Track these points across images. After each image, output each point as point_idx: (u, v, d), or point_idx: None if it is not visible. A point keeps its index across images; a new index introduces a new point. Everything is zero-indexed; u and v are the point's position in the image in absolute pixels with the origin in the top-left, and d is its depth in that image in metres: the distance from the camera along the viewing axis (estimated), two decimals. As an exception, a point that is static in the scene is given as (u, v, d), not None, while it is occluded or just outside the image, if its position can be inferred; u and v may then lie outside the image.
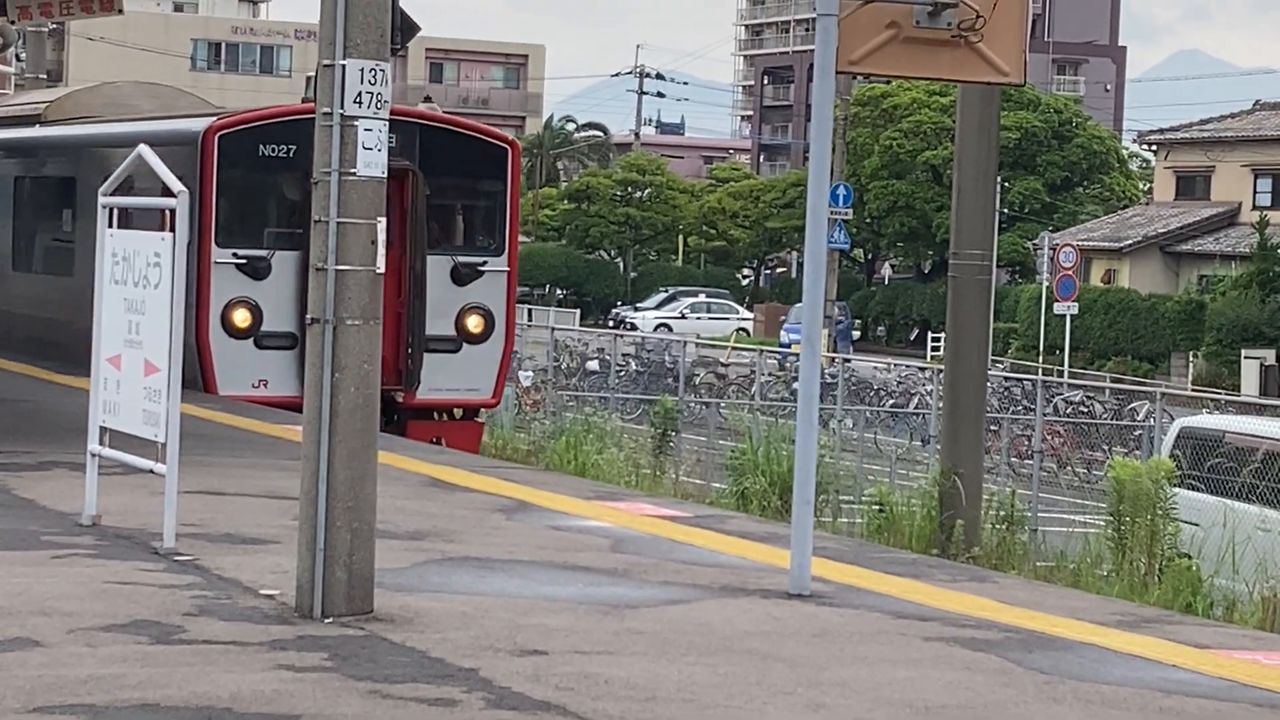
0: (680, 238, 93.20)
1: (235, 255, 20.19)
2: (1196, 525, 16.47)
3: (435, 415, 21.36)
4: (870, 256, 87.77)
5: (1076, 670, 8.67)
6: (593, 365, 41.57)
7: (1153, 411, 27.74)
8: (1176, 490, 16.21)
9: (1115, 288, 66.55)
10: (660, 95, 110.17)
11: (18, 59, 44.22)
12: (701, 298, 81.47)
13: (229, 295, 20.17)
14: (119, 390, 10.86)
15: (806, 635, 9.19)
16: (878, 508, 17.37)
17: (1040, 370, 50.34)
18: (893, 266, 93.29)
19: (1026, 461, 28.79)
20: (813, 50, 10.42)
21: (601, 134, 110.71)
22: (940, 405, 22.52)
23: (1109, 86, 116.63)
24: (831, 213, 48.95)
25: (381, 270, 9.06)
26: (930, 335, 69.47)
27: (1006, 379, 40.63)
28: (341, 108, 8.93)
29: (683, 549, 11.77)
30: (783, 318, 71.17)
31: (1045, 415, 29.99)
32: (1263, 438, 19.23)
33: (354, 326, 8.93)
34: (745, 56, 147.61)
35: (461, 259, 21.23)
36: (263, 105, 22.32)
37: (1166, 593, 14.30)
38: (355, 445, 8.92)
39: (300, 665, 8.03)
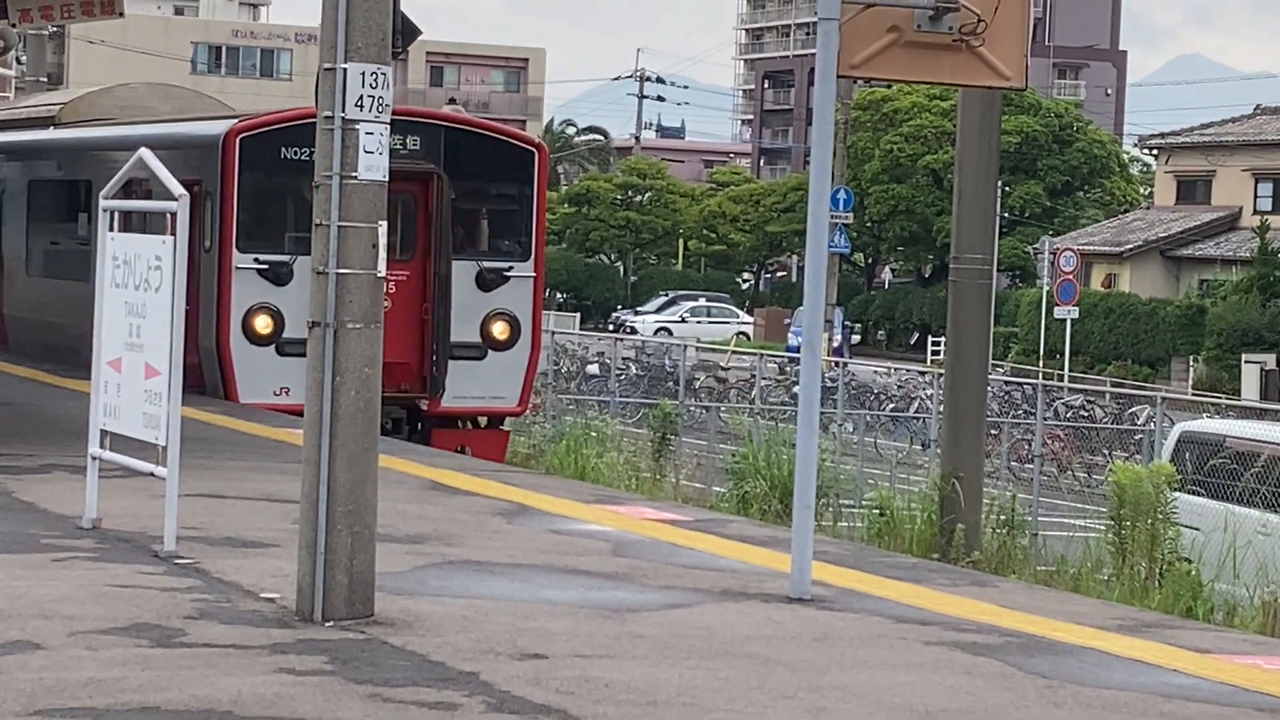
0: (680, 242, 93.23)
1: (257, 260, 19.87)
2: (1197, 530, 16.46)
3: (460, 424, 20.95)
4: (870, 261, 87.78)
5: (1077, 675, 8.66)
6: (593, 369, 41.55)
7: (1153, 416, 27.71)
8: (1177, 494, 16.21)
9: (1116, 292, 66.57)
10: (660, 99, 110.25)
11: (18, 62, 44.25)
12: (702, 302, 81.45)
13: (250, 301, 19.84)
14: (119, 393, 10.86)
15: (807, 639, 9.19)
16: (878, 512, 17.37)
17: (1040, 374, 50.35)
18: (893, 270, 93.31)
19: (1027, 466, 28.75)
20: (813, 54, 10.41)
21: (602, 138, 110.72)
22: (940, 409, 22.52)
23: (1110, 91, 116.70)
24: (832, 217, 48.96)
25: (383, 274, 9.06)
26: (930, 339, 69.50)
27: (1007, 383, 40.59)
28: (343, 111, 8.93)
29: (683, 553, 11.77)
30: (786, 321, 71.15)
31: (1046, 419, 29.97)
32: (1263, 442, 19.22)
33: (355, 330, 8.93)
34: (746, 60, 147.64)
35: (487, 264, 20.83)
36: (285, 107, 21.82)
37: (1167, 597, 14.29)
38: (356, 449, 8.92)
39: (301, 669, 8.03)
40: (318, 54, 9.16)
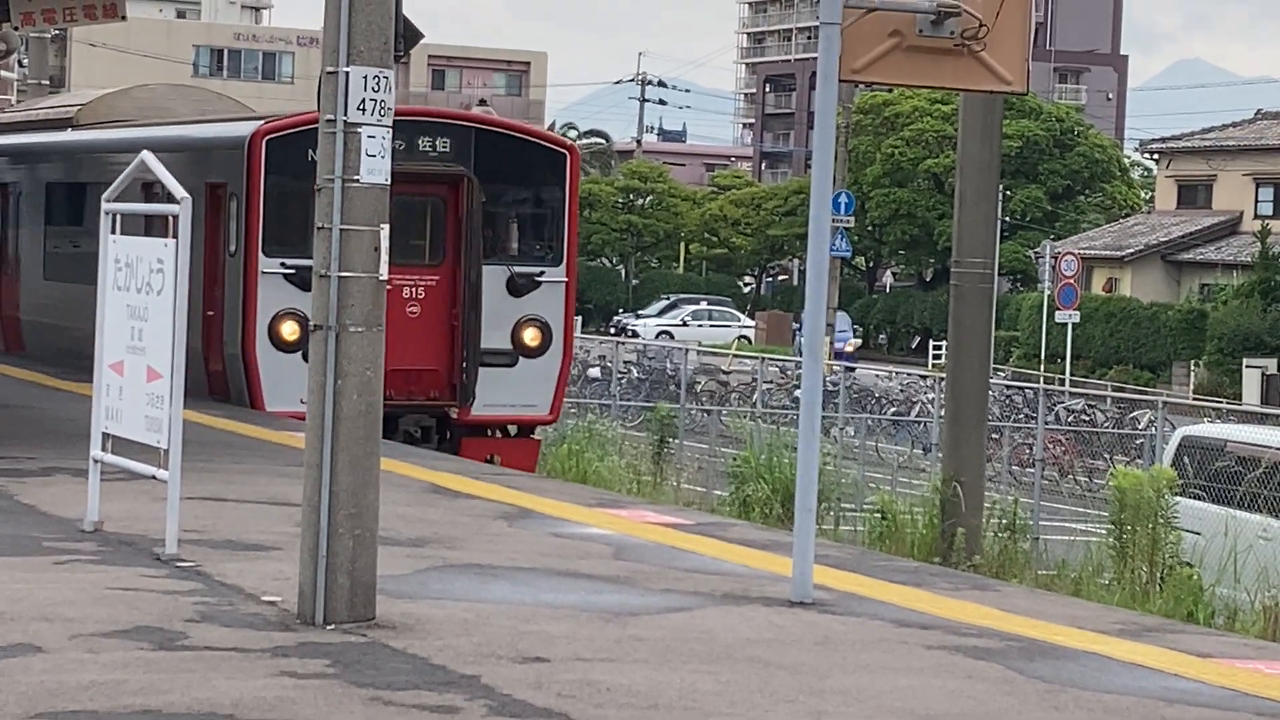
0: (682, 245, 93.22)
1: (283, 265, 19.29)
2: (1198, 534, 16.47)
3: (490, 432, 20.51)
4: (872, 264, 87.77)
5: (1078, 679, 8.66)
6: (594, 372, 41.52)
7: (1154, 420, 27.70)
8: (1178, 499, 16.21)
9: (1117, 296, 66.57)
10: (662, 103, 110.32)
11: (20, 65, 44.26)
12: (703, 305, 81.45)
13: (276, 307, 19.36)
14: (121, 396, 10.87)
15: (809, 643, 9.19)
16: (879, 516, 17.39)
17: (1042, 379, 50.36)
18: (894, 274, 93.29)
19: (1028, 470, 28.75)
20: (814, 58, 10.41)
21: (603, 141, 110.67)
22: (942, 413, 22.51)
23: (1111, 95, 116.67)
24: (833, 220, 48.94)
25: (385, 277, 9.06)
26: (931, 343, 69.49)
27: (1008, 387, 40.61)
28: (345, 115, 8.94)
29: (685, 556, 11.77)
30: (795, 325, 71.11)
31: (1047, 424, 29.98)
32: (1264, 447, 19.23)
33: (357, 333, 8.93)
34: (747, 64, 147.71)
35: (518, 269, 20.31)
36: (311, 109, 21.68)
37: (1168, 601, 14.31)
38: (358, 452, 8.92)
39: (302, 672, 8.03)
40: (320, 57, 9.16)
